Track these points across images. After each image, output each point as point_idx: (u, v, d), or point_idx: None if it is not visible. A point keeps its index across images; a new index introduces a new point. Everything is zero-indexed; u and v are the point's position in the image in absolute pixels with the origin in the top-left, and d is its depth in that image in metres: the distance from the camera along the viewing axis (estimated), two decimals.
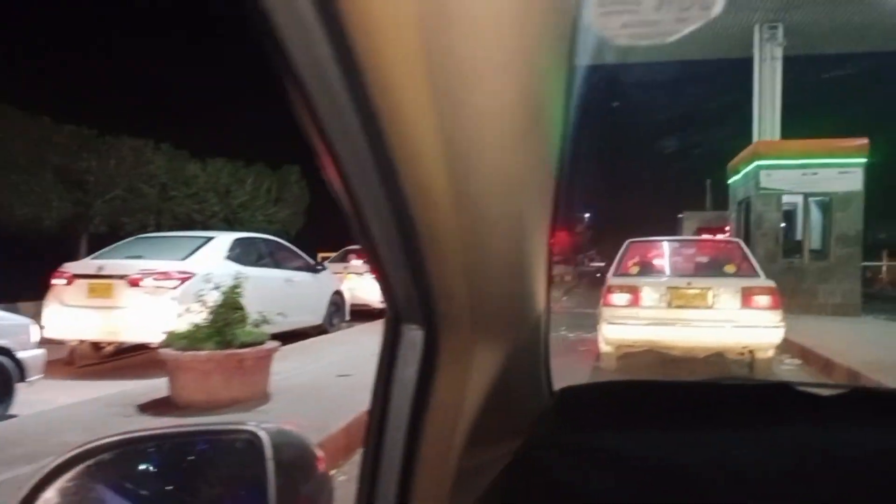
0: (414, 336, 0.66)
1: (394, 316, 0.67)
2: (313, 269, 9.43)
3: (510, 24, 0.41)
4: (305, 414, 4.55)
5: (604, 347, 7.14)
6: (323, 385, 5.61)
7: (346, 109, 0.43)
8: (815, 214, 13.56)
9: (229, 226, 15.86)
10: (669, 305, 6.81)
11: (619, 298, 6.98)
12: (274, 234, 11.97)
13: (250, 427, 0.75)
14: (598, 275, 18.31)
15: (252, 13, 0.38)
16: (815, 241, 13.38)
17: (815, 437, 0.75)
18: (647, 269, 7.56)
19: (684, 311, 6.73)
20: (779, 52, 15.72)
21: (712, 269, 7.32)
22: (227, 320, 4.96)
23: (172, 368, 4.84)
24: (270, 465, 0.69)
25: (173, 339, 4.93)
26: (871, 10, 13.74)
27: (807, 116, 17.19)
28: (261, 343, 5.06)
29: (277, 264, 8.84)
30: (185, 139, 15.56)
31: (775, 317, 6.54)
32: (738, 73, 17.36)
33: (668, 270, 7.48)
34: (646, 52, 17.89)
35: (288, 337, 8.22)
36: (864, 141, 12.43)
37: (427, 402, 0.67)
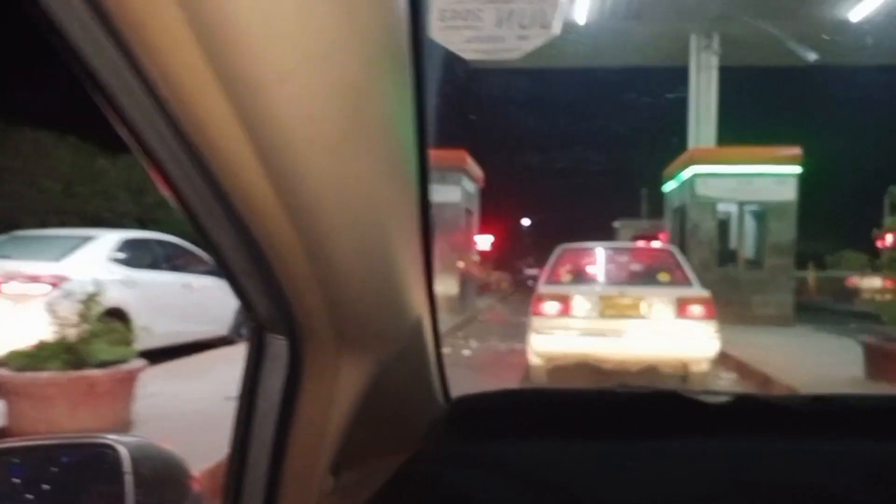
0: (278, 346, 0.64)
1: (257, 325, 0.65)
2: (219, 274, 8.55)
3: (307, 28, 0.39)
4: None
5: (533, 360, 6.79)
6: (203, 410, 4.81)
7: (155, 118, 0.42)
8: (750, 223, 13.52)
9: (143, 226, 14.69)
10: (602, 315, 6.47)
11: (549, 307, 6.62)
12: (193, 236, 11.03)
13: (108, 440, 0.74)
14: (530, 282, 17.94)
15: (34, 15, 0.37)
16: (749, 251, 13.31)
17: (700, 445, 0.80)
18: (579, 276, 7.22)
19: (617, 321, 6.43)
20: (714, 61, 15.79)
21: (646, 277, 7.07)
22: (81, 335, 4.14)
23: (9, 393, 3.99)
24: (128, 480, 0.69)
25: (12, 358, 4.07)
26: (803, 24, 13.86)
27: (742, 127, 17.31)
28: (123, 361, 4.26)
29: (175, 268, 7.95)
30: (94, 131, 14.36)
31: (710, 328, 6.30)
32: (676, 80, 17.39)
33: (601, 278, 7.16)
34: (584, 57, 17.81)
35: (188, 350, 7.39)
36: (797, 150, 12.41)
37: (294, 416, 0.64)
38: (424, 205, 0.62)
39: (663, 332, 6.22)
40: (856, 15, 13.30)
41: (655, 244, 11.39)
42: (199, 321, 7.84)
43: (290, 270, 0.53)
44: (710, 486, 0.69)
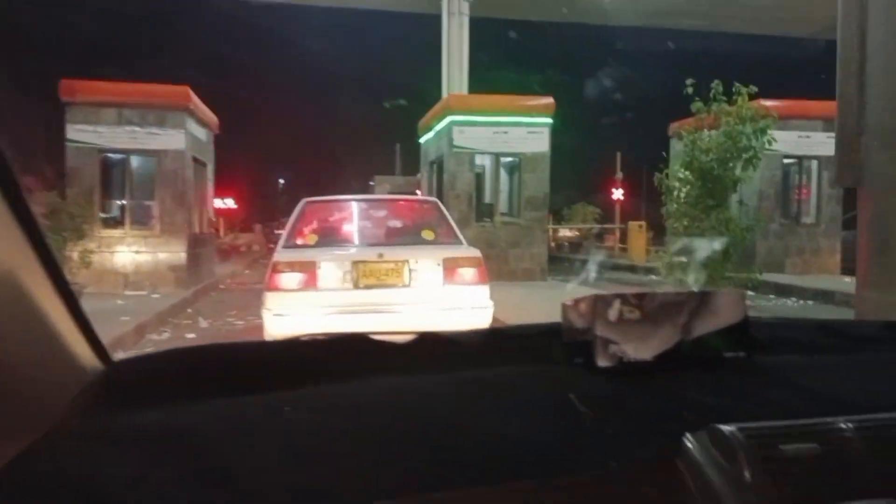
0: None
1: None
2: None
3: None
4: None
5: None
6: None
7: None
8: (505, 177, 13.24)
9: None
10: (356, 286, 5.17)
11: (288, 280, 5.17)
12: None
13: None
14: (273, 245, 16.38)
15: None
16: (504, 205, 13.04)
17: (377, 383, 0.80)
18: (327, 237, 5.79)
19: (375, 291, 5.16)
20: (466, 7, 15.28)
21: (408, 235, 5.90)
22: None
23: None
24: None
25: None
26: None
27: (496, 82, 17.18)
28: None
29: None
30: None
31: (482, 294, 5.37)
32: (430, 29, 16.63)
33: (355, 239, 5.80)
34: None
35: None
36: (550, 100, 12.21)
37: None
38: None
39: (431, 303, 5.16)
40: None
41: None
42: None
43: None
44: (378, 421, 0.70)
